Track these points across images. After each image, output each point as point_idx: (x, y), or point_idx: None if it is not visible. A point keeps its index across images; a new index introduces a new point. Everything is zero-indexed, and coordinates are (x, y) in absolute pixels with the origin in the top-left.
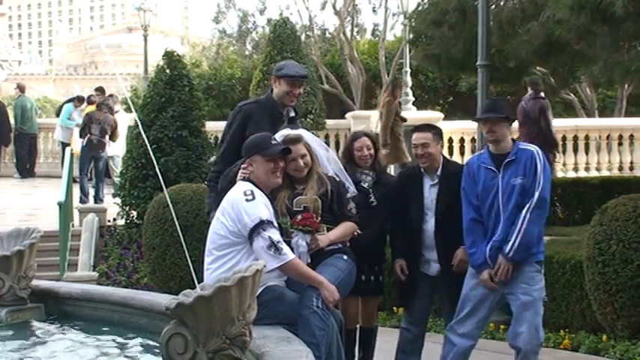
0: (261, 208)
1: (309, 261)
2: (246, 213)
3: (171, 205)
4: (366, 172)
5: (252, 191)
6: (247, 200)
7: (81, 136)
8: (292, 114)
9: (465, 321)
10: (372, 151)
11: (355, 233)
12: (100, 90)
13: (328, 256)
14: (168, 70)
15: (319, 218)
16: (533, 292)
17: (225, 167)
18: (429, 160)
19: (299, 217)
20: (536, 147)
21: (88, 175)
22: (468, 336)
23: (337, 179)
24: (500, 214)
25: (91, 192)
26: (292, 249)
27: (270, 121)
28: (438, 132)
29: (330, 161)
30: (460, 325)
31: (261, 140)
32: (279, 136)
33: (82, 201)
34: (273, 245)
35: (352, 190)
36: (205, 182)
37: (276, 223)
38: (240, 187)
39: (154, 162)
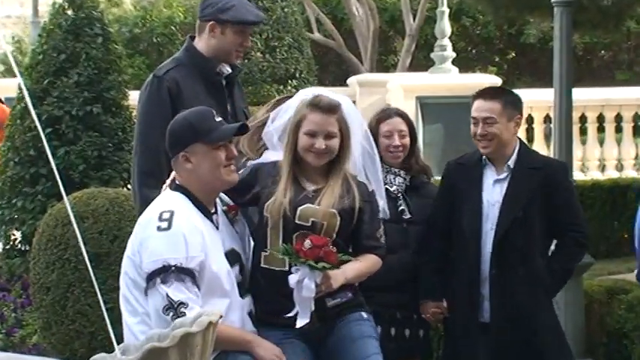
0: (176, 244)
1: (313, 309)
2: (150, 251)
3: (74, 222)
4: (396, 171)
5: (171, 215)
6: (159, 229)
7: None
8: (228, 70)
9: None
10: (407, 141)
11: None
12: None
13: (336, 318)
14: (70, 11)
15: (331, 245)
16: None
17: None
18: (492, 145)
19: (307, 243)
20: None
21: None
22: None
23: (370, 190)
24: None
25: None
26: (292, 291)
27: (207, 90)
28: (512, 101)
29: (368, 158)
30: None
31: (200, 118)
32: (302, 95)
33: None
34: (172, 308)
35: (383, 206)
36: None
37: (213, 264)
38: (158, 206)
39: (49, 154)
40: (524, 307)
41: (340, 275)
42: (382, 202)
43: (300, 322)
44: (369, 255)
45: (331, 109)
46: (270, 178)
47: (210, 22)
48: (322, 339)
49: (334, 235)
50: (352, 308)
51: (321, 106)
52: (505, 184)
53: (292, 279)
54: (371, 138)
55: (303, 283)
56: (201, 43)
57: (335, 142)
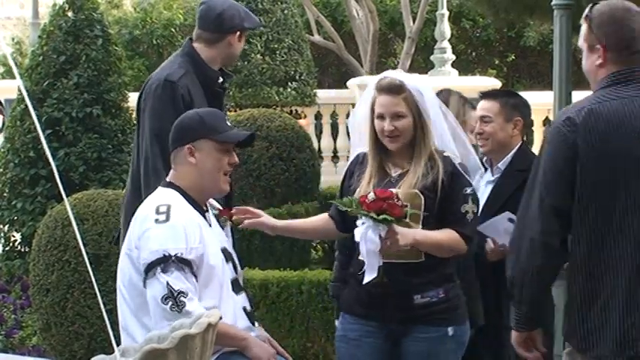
0: (175, 235)
1: (381, 263)
2: (149, 243)
3: (74, 224)
4: None
5: (168, 208)
6: (157, 222)
7: None
8: (221, 79)
9: None
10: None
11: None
12: None
13: (422, 319)
14: (70, 13)
15: (405, 205)
16: None
17: None
18: (489, 144)
19: (370, 195)
20: None
21: None
22: None
23: (456, 161)
24: None
25: None
26: (356, 246)
27: (208, 99)
28: (513, 104)
29: (450, 132)
30: None
31: (212, 116)
32: (377, 79)
33: None
34: (171, 297)
35: (477, 181)
36: None
37: (211, 258)
38: (153, 201)
39: (49, 156)
40: (492, 315)
41: (409, 234)
42: (476, 179)
43: (367, 278)
44: (450, 230)
45: (393, 88)
46: (358, 169)
47: (237, 33)
48: (405, 340)
49: (421, 216)
50: (442, 314)
51: (384, 87)
52: (492, 186)
53: (358, 232)
54: (449, 111)
55: (366, 236)
56: (212, 53)
57: (404, 123)
